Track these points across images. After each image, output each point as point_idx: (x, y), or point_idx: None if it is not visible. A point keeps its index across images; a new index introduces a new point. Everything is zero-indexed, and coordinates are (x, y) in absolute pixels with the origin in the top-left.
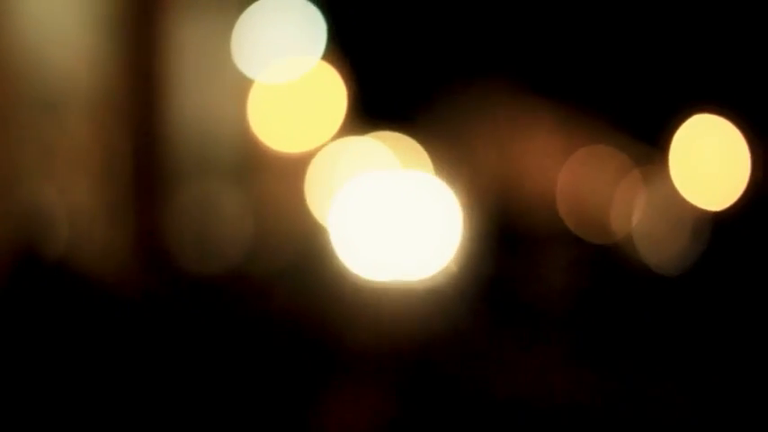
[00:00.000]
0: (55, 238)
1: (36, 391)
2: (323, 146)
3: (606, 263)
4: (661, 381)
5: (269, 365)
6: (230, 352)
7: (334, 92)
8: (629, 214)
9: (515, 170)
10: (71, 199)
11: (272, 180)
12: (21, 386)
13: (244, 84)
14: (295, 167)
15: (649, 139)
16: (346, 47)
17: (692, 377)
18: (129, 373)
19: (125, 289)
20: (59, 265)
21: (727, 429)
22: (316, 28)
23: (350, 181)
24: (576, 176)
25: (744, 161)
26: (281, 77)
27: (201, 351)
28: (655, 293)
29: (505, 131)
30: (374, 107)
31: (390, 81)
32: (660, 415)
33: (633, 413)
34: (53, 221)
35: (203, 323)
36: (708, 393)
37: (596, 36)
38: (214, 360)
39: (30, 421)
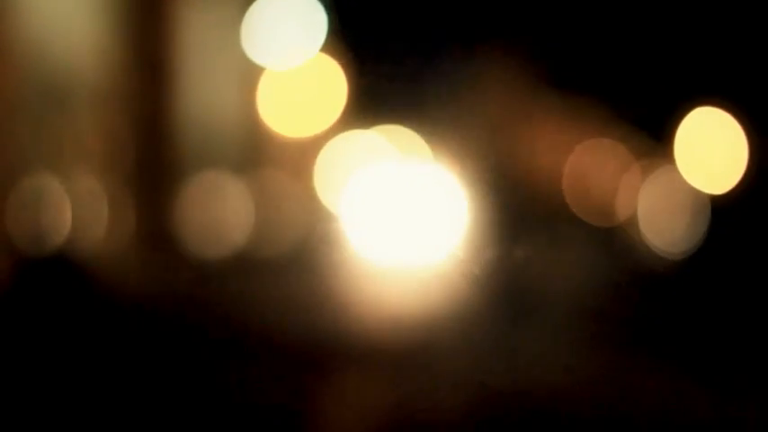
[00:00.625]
0: (61, 229)
1: (41, 384)
2: (326, 132)
3: (613, 247)
4: (668, 367)
5: (274, 353)
6: (234, 341)
7: (335, 80)
8: (636, 199)
9: (520, 157)
10: (77, 190)
11: (278, 165)
12: (25, 380)
13: (249, 71)
14: (301, 154)
15: (654, 131)
16: (348, 38)
17: (701, 365)
18: (132, 363)
19: (129, 279)
20: (64, 257)
21: (730, 411)
22: (317, 18)
23: (357, 171)
24: (581, 163)
25: (742, 149)
26: (284, 65)
27: (204, 341)
28: (660, 276)
29: (509, 120)
30: (376, 101)
31: (393, 74)
32: (664, 399)
33: (637, 397)
34: (59, 212)
35: (208, 313)
36: (713, 377)
37: (602, 32)
38: (217, 350)
39: (36, 414)
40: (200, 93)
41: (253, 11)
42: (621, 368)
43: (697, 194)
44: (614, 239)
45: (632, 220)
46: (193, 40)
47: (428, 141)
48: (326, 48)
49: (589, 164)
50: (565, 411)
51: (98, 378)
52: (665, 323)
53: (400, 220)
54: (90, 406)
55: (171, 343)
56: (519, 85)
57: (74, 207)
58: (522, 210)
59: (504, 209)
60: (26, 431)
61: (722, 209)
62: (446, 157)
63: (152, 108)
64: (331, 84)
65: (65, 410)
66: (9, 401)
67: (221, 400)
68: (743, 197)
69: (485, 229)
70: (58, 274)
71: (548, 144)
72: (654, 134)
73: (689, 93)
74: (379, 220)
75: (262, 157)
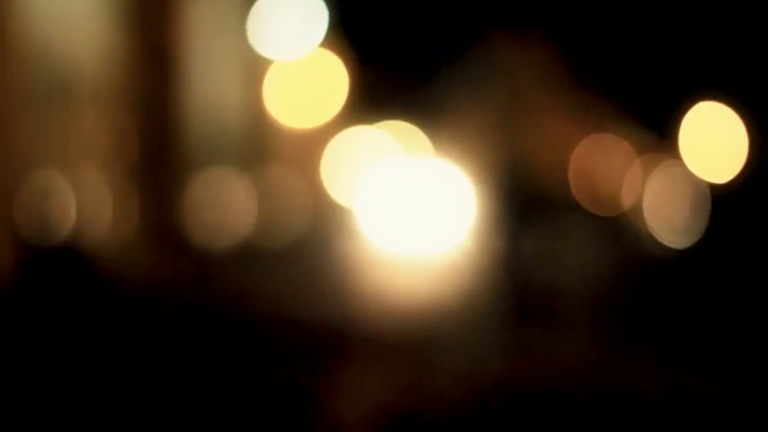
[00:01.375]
0: (68, 220)
1: (47, 370)
2: (331, 126)
3: (618, 237)
4: (672, 355)
5: (285, 341)
6: (241, 329)
7: (337, 74)
8: (640, 191)
9: (527, 150)
10: (84, 182)
11: (285, 158)
12: (31, 366)
13: (254, 64)
14: (307, 146)
15: (657, 126)
16: (351, 34)
17: (704, 353)
18: (138, 354)
19: (135, 269)
20: (70, 247)
21: (730, 398)
22: (320, 15)
23: (365, 165)
24: (587, 157)
25: (743, 141)
26: (288, 56)
27: (209, 329)
28: (665, 265)
29: (516, 114)
30: (381, 97)
31: (397, 71)
32: (667, 387)
33: (640, 385)
34: (66, 204)
35: (213, 302)
36: (715, 365)
37: (608, 31)
38: (222, 340)
39: (41, 406)
40: (205, 85)
41: (258, 5)
42: (625, 357)
43: (700, 186)
44: (619, 230)
45: (637, 211)
46: (198, 34)
47: (432, 137)
48: (330, 43)
49: (595, 157)
50: (570, 400)
51: (103, 366)
52: (670, 311)
53: (410, 212)
54: (94, 393)
55: (175, 331)
56: (525, 80)
57: (81, 199)
58: (529, 201)
59: (512, 200)
60: (32, 415)
61: (724, 199)
62: (454, 151)
63: (158, 101)
64: (334, 77)
65: (70, 397)
66: (17, 386)
67: (228, 388)
68: (744, 187)
69: (493, 220)
70: (64, 263)
71: (554, 138)
72: (657, 129)
73: (691, 89)
74: (389, 212)
75: (268, 149)
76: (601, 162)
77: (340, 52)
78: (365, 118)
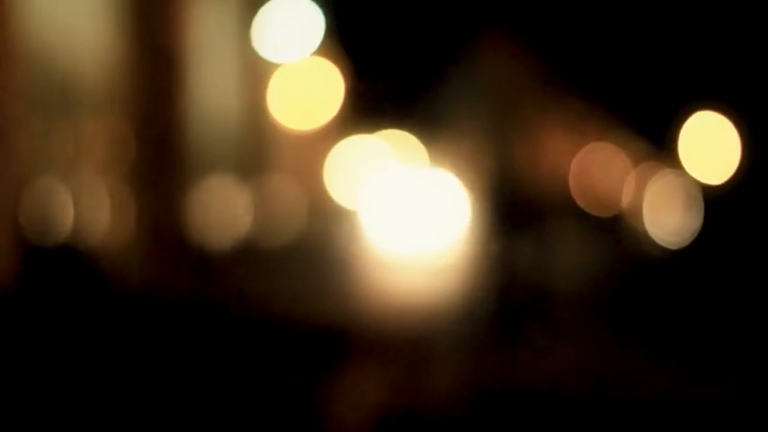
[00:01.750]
0: (68, 221)
1: (48, 365)
2: (331, 131)
3: (616, 237)
4: (667, 355)
5: (282, 342)
6: (241, 330)
7: (333, 79)
8: (640, 194)
9: (524, 157)
10: (85, 184)
11: (286, 162)
12: (33, 362)
13: (256, 67)
14: (308, 150)
15: (655, 134)
16: (348, 45)
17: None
18: (137, 354)
19: (136, 272)
20: (71, 247)
21: (723, 394)
22: (317, 22)
23: (366, 172)
24: (586, 164)
25: (735, 146)
26: (288, 59)
27: (208, 331)
28: (662, 264)
29: (514, 122)
30: (380, 108)
31: (394, 82)
32: (663, 386)
33: (638, 385)
34: (67, 206)
35: (211, 304)
36: (709, 363)
37: (607, 42)
38: (226, 338)
39: (41, 404)
40: (206, 89)
41: (261, 12)
42: (621, 356)
43: (695, 191)
44: (616, 231)
45: (634, 214)
46: (199, 38)
47: (429, 146)
48: (326, 51)
49: (593, 165)
50: (567, 399)
51: (103, 364)
52: (665, 311)
53: (408, 216)
54: (94, 392)
55: (174, 331)
56: (522, 90)
57: (82, 201)
58: (525, 206)
59: (507, 206)
60: (32, 413)
61: (718, 202)
62: (450, 159)
63: (159, 105)
64: (331, 81)
65: (70, 395)
66: (17, 383)
67: (228, 388)
68: (736, 190)
69: (488, 225)
70: (65, 263)
71: (552, 146)
72: (653, 137)
73: (688, 99)
74: (388, 215)
75: (269, 151)
76: (598, 169)
77: (336, 60)
78: (364, 127)
